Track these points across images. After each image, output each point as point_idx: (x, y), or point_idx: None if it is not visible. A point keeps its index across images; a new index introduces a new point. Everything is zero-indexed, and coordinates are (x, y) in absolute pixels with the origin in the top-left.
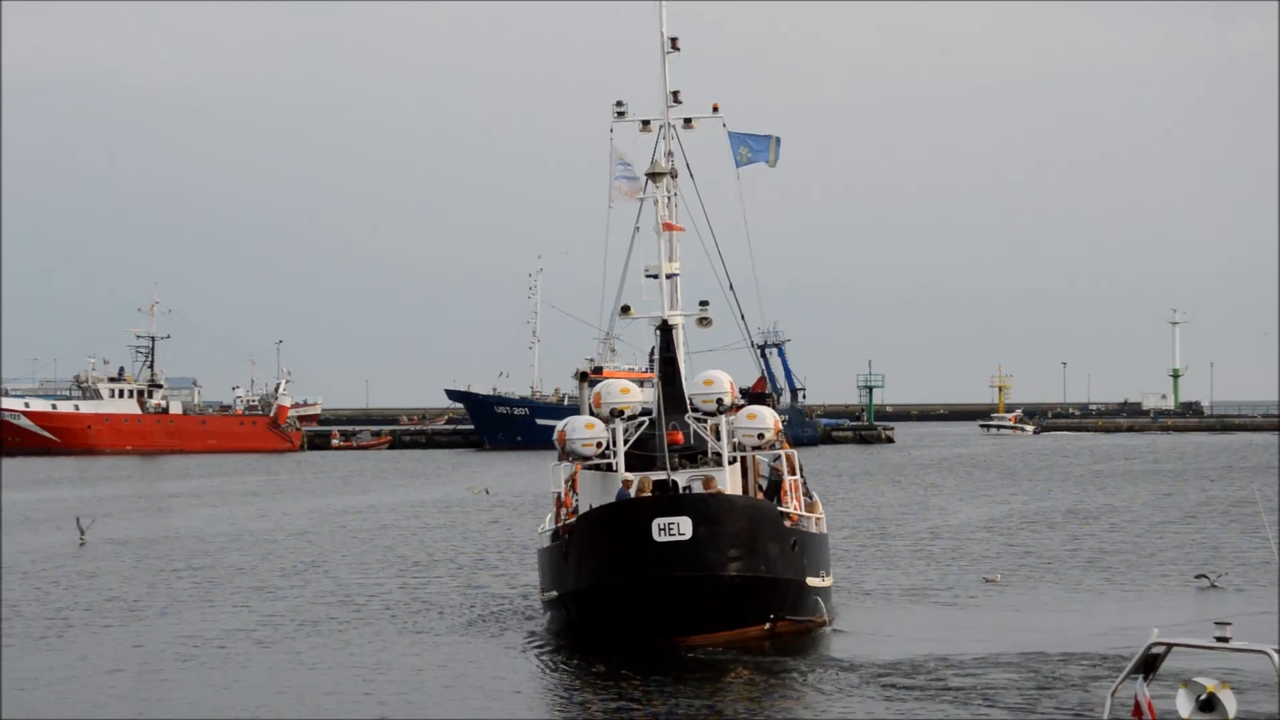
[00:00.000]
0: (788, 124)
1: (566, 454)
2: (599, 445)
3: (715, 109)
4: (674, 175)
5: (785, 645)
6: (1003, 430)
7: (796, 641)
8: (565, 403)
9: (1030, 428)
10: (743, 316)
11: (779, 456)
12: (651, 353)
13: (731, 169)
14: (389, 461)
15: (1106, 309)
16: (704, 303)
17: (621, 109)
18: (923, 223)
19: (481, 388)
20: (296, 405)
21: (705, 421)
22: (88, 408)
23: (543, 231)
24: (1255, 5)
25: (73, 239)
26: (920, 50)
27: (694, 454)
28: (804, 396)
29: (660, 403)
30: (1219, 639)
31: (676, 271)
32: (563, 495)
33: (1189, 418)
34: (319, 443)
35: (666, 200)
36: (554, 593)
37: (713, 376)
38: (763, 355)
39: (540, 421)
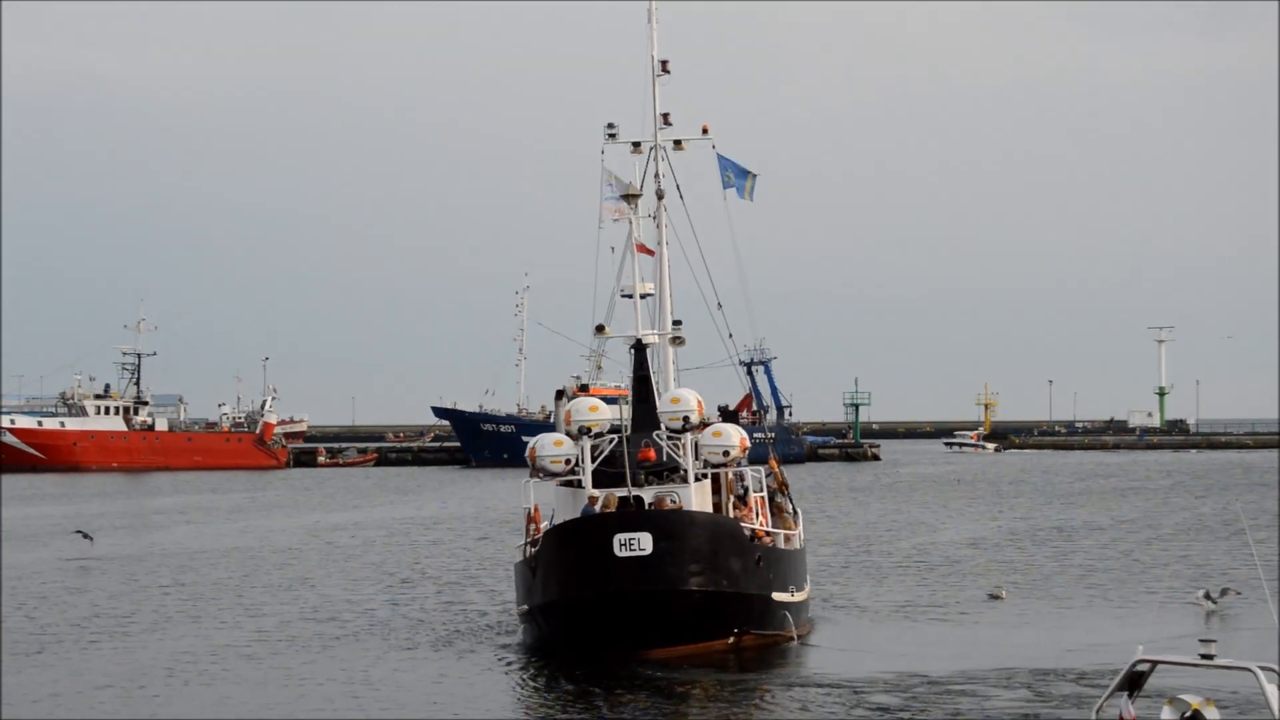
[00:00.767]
0: (774, 138)
1: (537, 471)
2: (567, 462)
3: (705, 131)
4: (660, 196)
5: (749, 659)
6: (964, 448)
7: (761, 656)
8: (551, 420)
9: (991, 446)
10: (730, 335)
11: (771, 473)
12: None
13: (720, 189)
14: (375, 479)
15: (1093, 327)
16: (677, 322)
17: (613, 131)
18: (910, 240)
19: (468, 405)
20: (282, 422)
21: (676, 439)
22: (73, 425)
23: (530, 249)
24: (1243, 18)
25: (59, 256)
26: (907, 64)
27: (664, 471)
28: (790, 414)
29: (625, 420)
30: (1203, 656)
31: (650, 292)
32: (532, 511)
33: (1175, 436)
34: (305, 460)
35: (640, 222)
36: (525, 606)
37: (680, 395)
38: (749, 373)
39: (526, 439)
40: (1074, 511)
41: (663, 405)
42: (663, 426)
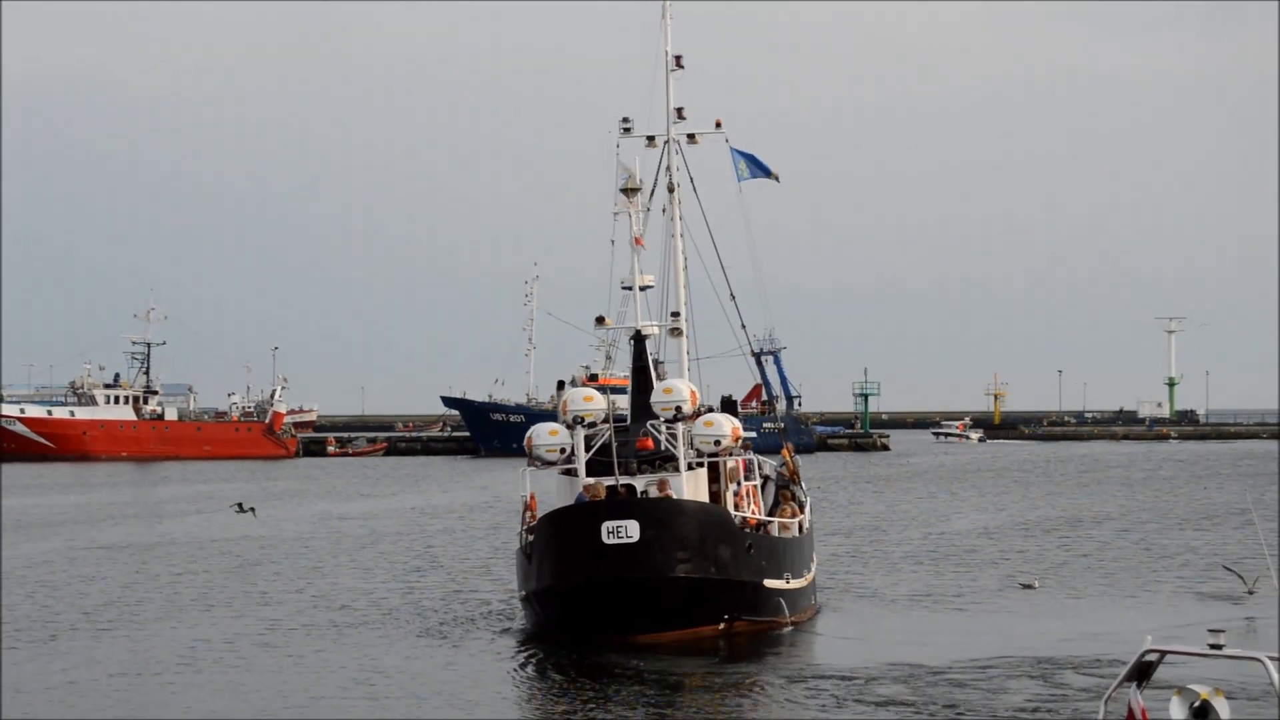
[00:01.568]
0: (782, 131)
1: (533, 460)
2: (562, 451)
3: (718, 124)
4: (672, 189)
5: (741, 646)
6: (950, 438)
7: (753, 642)
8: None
9: (975, 436)
10: (743, 325)
11: (783, 462)
12: (651, 358)
13: (733, 182)
14: (385, 468)
15: (1102, 318)
16: (675, 314)
17: (628, 125)
18: (919, 232)
19: (477, 395)
20: (292, 412)
21: (673, 428)
22: (83, 414)
23: (540, 239)
24: (1249, 14)
25: (68, 246)
26: (913, 59)
27: (660, 459)
28: (800, 404)
29: (611, 411)
30: (1213, 646)
31: (650, 284)
32: (528, 499)
33: (1184, 426)
34: (314, 449)
35: (640, 215)
36: (523, 592)
37: (672, 385)
38: (758, 363)
39: None
40: (1067, 501)
41: (655, 396)
42: (653, 416)
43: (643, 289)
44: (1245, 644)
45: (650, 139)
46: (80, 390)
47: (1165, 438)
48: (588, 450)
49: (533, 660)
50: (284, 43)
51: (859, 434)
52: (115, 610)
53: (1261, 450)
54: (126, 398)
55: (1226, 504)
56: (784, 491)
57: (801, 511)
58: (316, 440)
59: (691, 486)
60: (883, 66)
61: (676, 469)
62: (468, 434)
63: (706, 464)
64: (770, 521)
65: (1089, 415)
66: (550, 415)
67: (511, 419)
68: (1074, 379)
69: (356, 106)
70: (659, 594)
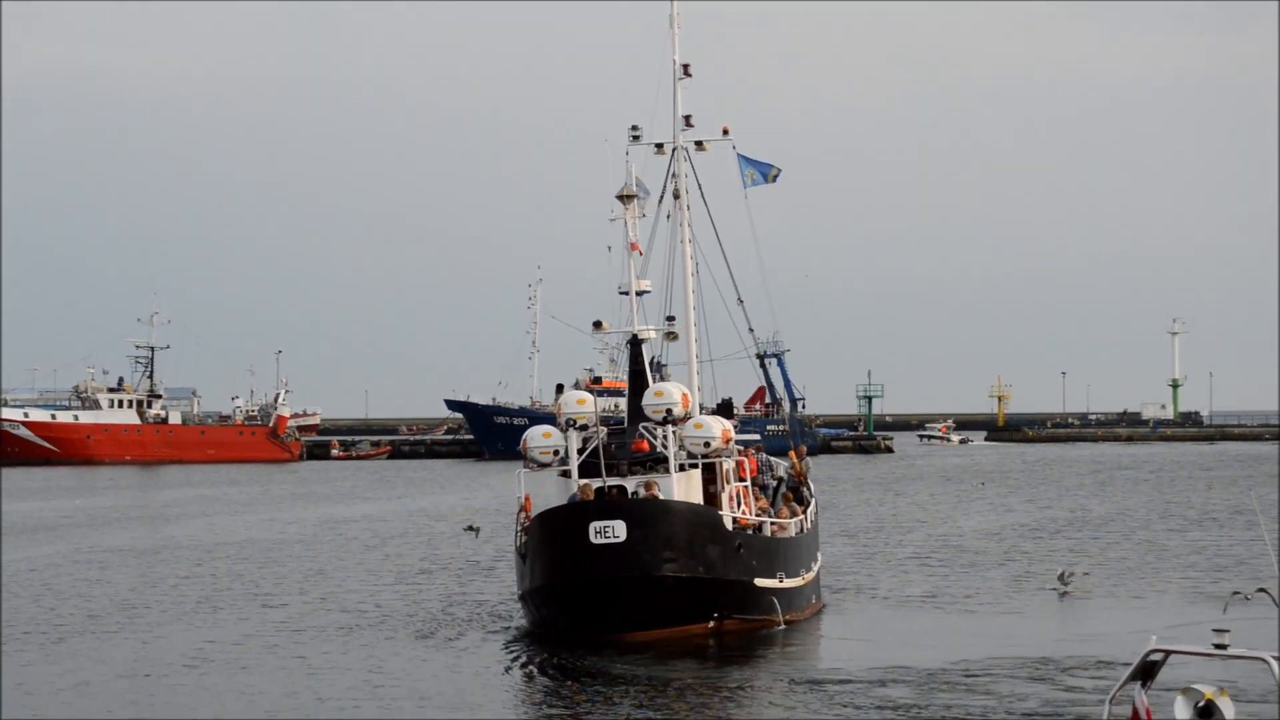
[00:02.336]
0: (783, 133)
1: (528, 462)
2: (556, 453)
3: (725, 132)
4: (677, 195)
5: (730, 644)
6: (933, 440)
7: (743, 641)
8: None
9: (956, 438)
10: (751, 329)
11: (791, 464)
12: (652, 362)
13: (737, 186)
14: (389, 471)
15: (1106, 319)
16: (670, 318)
17: (637, 133)
18: (924, 234)
19: (481, 398)
20: (296, 415)
21: (664, 430)
22: (87, 418)
23: (544, 242)
24: (1256, 14)
25: (72, 249)
26: (917, 62)
27: (653, 461)
28: (804, 406)
29: (597, 414)
30: (1217, 646)
31: (647, 289)
32: (523, 500)
33: (1188, 428)
34: (318, 453)
35: (636, 221)
36: (519, 591)
37: (663, 388)
38: (762, 365)
39: None
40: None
41: (646, 398)
42: (644, 419)
43: (640, 294)
44: (1250, 644)
45: (659, 146)
46: (84, 394)
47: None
48: (581, 452)
49: (529, 661)
50: (290, 44)
51: (863, 436)
52: (122, 613)
53: (1265, 452)
54: (130, 401)
55: (1230, 505)
56: (786, 493)
57: (803, 513)
58: (320, 444)
59: (683, 487)
60: (890, 62)
61: (667, 470)
62: (471, 437)
63: (701, 465)
64: (763, 522)
65: (1093, 417)
66: (553, 418)
67: (515, 422)
68: (1078, 381)
69: (361, 109)
70: (646, 592)
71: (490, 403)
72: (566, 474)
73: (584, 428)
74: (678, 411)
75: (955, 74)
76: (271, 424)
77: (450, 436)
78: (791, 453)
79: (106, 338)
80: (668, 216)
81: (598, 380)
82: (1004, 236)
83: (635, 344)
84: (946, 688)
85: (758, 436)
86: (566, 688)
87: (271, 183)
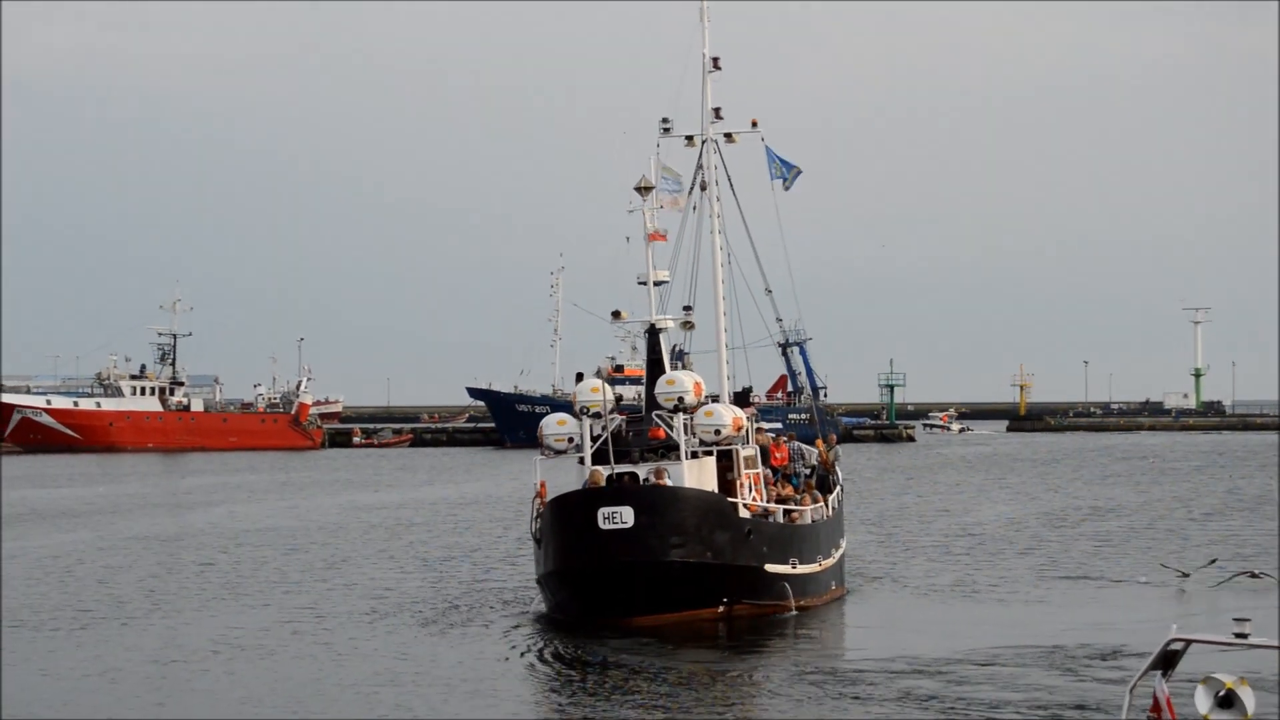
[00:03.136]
0: (807, 118)
1: (544, 449)
2: (570, 440)
3: (754, 124)
4: (704, 187)
5: (739, 629)
6: (934, 429)
7: (752, 625)
8: None
9: (956, 427)
10: (779, 319)
11: (817, 452)
12: (674, 351)
13: (760, 178)
14: (410, 459)
15: (1129, 309)
16: (687, 308)
17: (667, 125)
18: (946, 223)
19: (503, 386)
20: (318, 403)
21: (676, 418)
22: (109, 405)
23: (565, 230)
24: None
25: (94, 237)
26: (946, 50)
27: (662, 448)
28: (826, 395)
29: (605, 402)
30: (1238, 635)
31: (666, 279)
32: (539, 487)
33: (1210, 417)
34: (340, 440)
35: (654, 212)
36: (537, 576)
37: (675, 377)
38: (784, 354)
39: None
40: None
41: (659, 387)
42: (657, 407)
43: (658, 284)
44: (1271, 633)
45: (689, 138)
46: (106, 381)
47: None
48: (595, 439)
49: (544, 646)
50: (315, 33)
51: (884, 425)
52: (146, 600)
53: None
54: (152, 389)
55: (1256, 495)
56: (809, 481)
57: (824, 500)
58: (342, 431)
59: (695, 474)
60: (913, 53)
61: (679, 457)
62: (493, 425)
63: (717, 452)
64: (776, 508)
65: (1115, 406)
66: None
67: (537, 410)
68: (1100, 370)
69: (385, 98)
70: (653, 577)
71: (512, 390)
72: (582, 461)
73: (598, 415)
74: (689, 400)
75: (977, 65)
76: (294, 411)
77: (472, 424)
78: (819, 441)
79: (129, 325)
80: (694, 208)
81: (619, 368)
82: (1028, 225)
83: (653, 333)
84: (961, 677)
85: (779, 425)
86: (577, 673)
87: (294, 170)
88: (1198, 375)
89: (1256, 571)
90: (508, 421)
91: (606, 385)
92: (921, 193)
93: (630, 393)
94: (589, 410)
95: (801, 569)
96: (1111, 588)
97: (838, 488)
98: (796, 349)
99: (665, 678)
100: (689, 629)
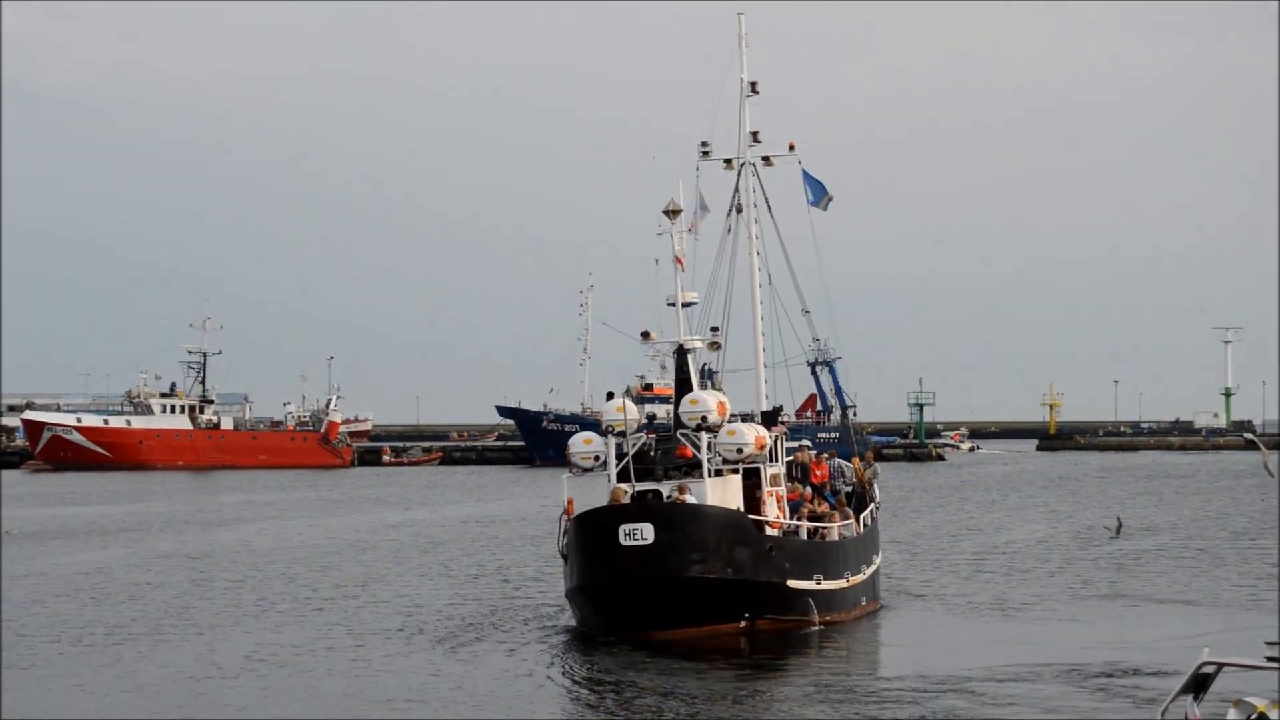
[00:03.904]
0: (837, 138)
1: (572, 467)
2: (597, 458)
3: (791, 147)
4: (739, 210)
5: (761, 644)
6: (944, 448)
7: (775, 640)
8: None
9: (965, 445)
10: (816, 339)
11: (852, 469)
12: (703, 370)
13: (792, 200)
14: (440, 477)
15: (1159, 328)
16: (714, 329)
17: (706, 148)
18: (977, 241)
19: (532, 404)
20: (347, 421)
21: (699, 436)
22: (139, 423)
23: (595, 248)
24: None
25: (125, 254)
26: (975, 66)
27: (692, 466)
28: (855, 414)
29: (627, 422)
30: (1270, 659)
31: (694, 300)
32: (566, 504)
33: (1241, 436)
34: (370, 459)
35: (682, 235)
36: (565, 590)
37: (699, 397)
38: (813, 373)
39: None
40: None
41: (683, 406)
42: (681, 426)
43: (686, 305)
44: None
45: (727, 161)
46: (136, 399)
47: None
48: (621, 458)
49: (570, 661)
50: (349, 50)
51: (914, 444)
52: (178, 617)
53: None
54: (182, 407)
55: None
56: (840, 498)
57: (854, 517)
58: (372, 450)
59: (718, 492)
60: (943, 71)
61: (716, 475)
62: (522, 443)
63: (743, 470)
64: (801, 525)
65: (1145, 425)
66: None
67: (566, 428)
68: (1130, 389)
69: (413, 116)
70: (673, 593)
71: (541, 409)
72: (621, 477)
73: (623, 434)
74: (713, 419)
75: (1011, 84)
76: (323, 430)
77: (501, 443)
78: (855, 459)
79: (159, 343)
80: (729, 230)
81: (649, 387)
82: (1059, 244)
83: (681, 354)
84: (987, 695)
85: (809, 443)
86: (602, 690)
87: (325, 189)
88: (1228, 395)
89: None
90: (537, 440)
91: (632, 404)
92: (951, 210)
93: (663, 411)
94: (614, 429)
95: (827, 585)
96: (1145, 607)
97: (871, 505)
98: (826, 368)
99: (684, 694)
100: (711, 643)
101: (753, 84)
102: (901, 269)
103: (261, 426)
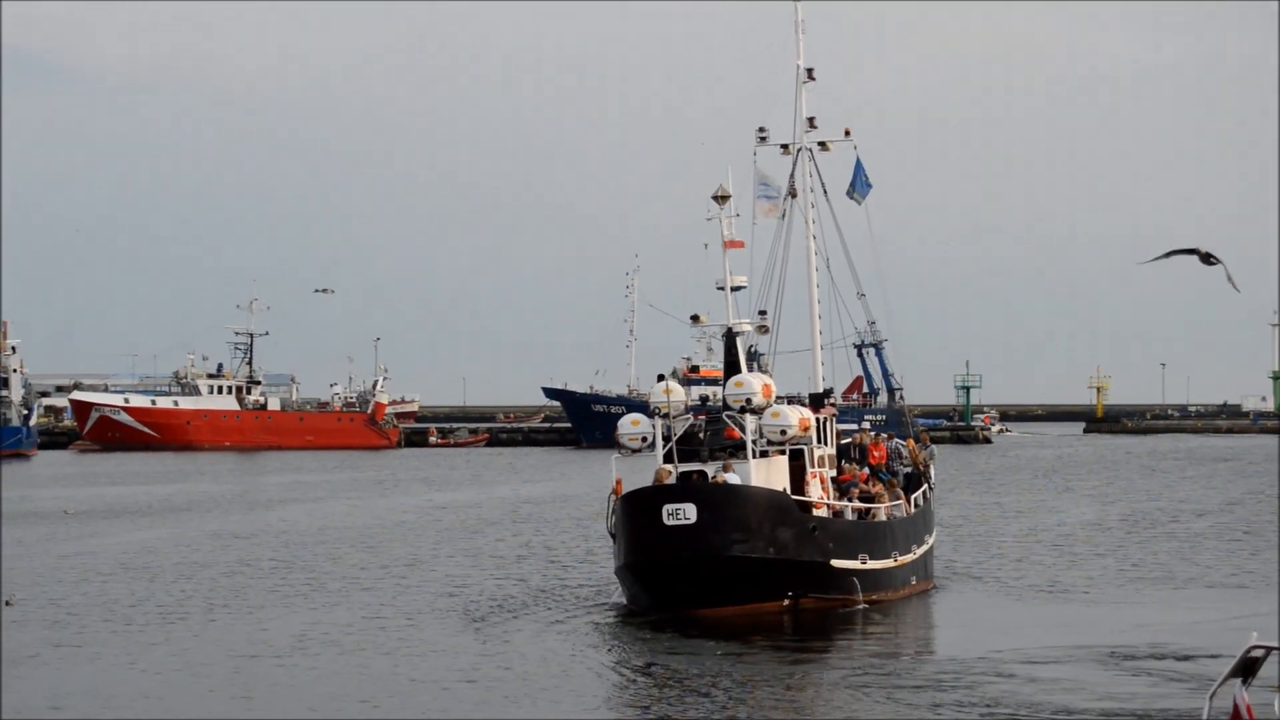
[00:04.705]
0: (888, 121)
1: (621, 448)
2: (644, 439)
3: (847, 133)
4: (794, 194)
5: (805, 621)
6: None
7: (818, 618)
8: None
9: (996, 428)
10: (872, 321)
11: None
12: (749, 353)
13: (841, 183)
14: (486, 458)
15: (1206, 311)
16: (762, 312)
17: (763, 134)
18: (1023, 226)
19: (578, 386)
20: (394, 402)
21: (743, 418)
22: (187, 404)
23: (640, 231)
24: None
25: (171, 236)
26: (1030, 54)
27: (737, 447)
28: (902, 396)
29: (671, 403)
30: None
31: (744, 284)
32: (614, 485)
33: None
34: (416, 440)
35: (731, 220)
36: (614, 569)
37: (744, 379)
38: (859, 355)
39: None
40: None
41: (728, 388)
42: (726, 408)
43: (735, 289)
44: None
45: (784, 147)
46: (184, 380)
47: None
48: (667, 439)
49: (617, 642)
50: (395, 30)
51: (960, 426)
52: (229, 596)
53: None
54: (229, 388)
55: None
56: (891, 479)
57: (905, 498)
58: (418, 431)
59: (763, 473)
60: (998, 60)
61: (762, 456)
62: (569, 425)
63: (789, 451)
64: (845, 506)
65: (1192, 409)
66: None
67: (612, 410)
68: (1177, 372)
69: (461, 99)
70: (715, 571)
71: (588, 391)
72: (667, 458)
73: (667, 415)
74: (757, 401)
75: (1060, 69)
76: (370, 411)
77: (547, 424)
78: (909, 440)
79: (206, 324)
80: (783, 215)
81: (695, 369)
82: (1104, 226)
83: (730, 337)
84: (1033, 677)
85: (855, 426)
86: (648, 668)
87: (369, 171)
88: (1276, 378)
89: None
90: (583, 421)
91: (679, 386)
92: (1000, 194)
93: (714, 393)
94: (660, 410)
95: (872, 564)
96: (1194, 590)
97: (924, 486)
98: (873, 350)
99: (730, 674)
100: (755, 621)
101: (809, 70)
102: (949, 252)
103: (308, 407)
